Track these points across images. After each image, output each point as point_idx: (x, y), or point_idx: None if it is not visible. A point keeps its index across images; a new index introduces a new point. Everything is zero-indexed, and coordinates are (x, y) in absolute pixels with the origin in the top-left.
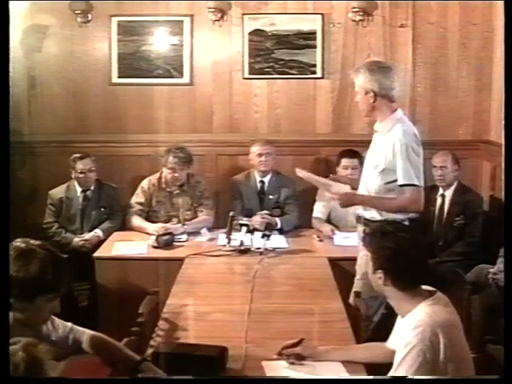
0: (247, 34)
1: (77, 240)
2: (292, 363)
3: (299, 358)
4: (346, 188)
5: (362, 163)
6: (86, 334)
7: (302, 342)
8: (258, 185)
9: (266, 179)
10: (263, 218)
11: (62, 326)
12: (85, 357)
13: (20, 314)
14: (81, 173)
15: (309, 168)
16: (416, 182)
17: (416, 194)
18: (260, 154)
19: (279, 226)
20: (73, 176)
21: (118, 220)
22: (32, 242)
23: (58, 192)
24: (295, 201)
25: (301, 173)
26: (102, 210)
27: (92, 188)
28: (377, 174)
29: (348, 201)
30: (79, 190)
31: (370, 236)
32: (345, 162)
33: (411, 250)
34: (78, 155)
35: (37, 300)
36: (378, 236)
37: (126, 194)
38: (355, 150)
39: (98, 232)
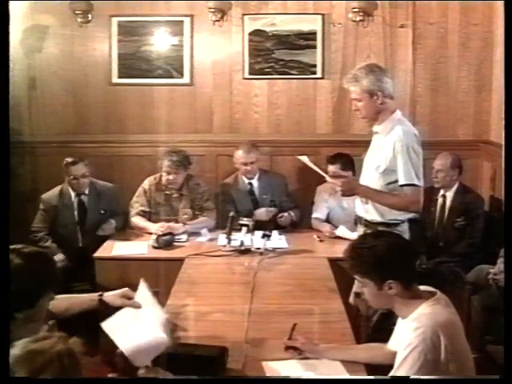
0: (247, 35)
1: (61, 257)
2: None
3: (299, 353)
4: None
5: (346, 167)
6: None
7: (295, 326)
8: (248, 187)
9: (254, 181)
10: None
11: None
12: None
13: (25, 316)
14: (74, 178)
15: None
16: (416, 182)
17: (416, 194)
18: (245, 163)
19: (294, 218)
20: (66, 181)
21: (120, 219)
22: (11, 247)
23: (51, 198)
24: (289, 196)
25: (303, 159)
26: (102, 212)
27: (87, 192)
28: (378, 176)
29: (350, 189)
30: (73, 194)
31: (358, 260)
32: (330, 168)
33: (400, 246)
34: (70, 160)
35: (38, 303)
36: (366, 253)
37: (125, 195)
38: (341, 154)
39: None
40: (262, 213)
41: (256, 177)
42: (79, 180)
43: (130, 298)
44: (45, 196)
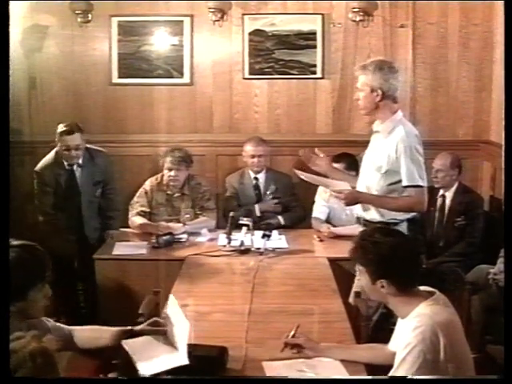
0: (247, 34)
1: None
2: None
3: (300, 351)
4: (345, 185)
5: (351, 167)
6: (76, 329)
7: (298, 328)
8: (253, 181)
9: (260, 176)
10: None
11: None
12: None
13: (18, 310)
14: (66, 149)
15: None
16: (420, 183)
17: (420, 195)
18: (253, 156)
19: (282, 223)
20: (57, 149)
21: (113, 187)
22: None
23: (46, 168)
24: (294, 195)
25: (300, 174)
26: (96, 181)
27: (80, 162)
28: (379, 176)
29: (353, 199)
30: (66, 163)
31: (360, 250)
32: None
33: (405, 250)
34: (65, 129)
35: (29, 294)
36: (370, 247)
37: (126, 195)
38: (346, 154)
39: None
40: (265, 202)
41: (263, 172)
42: (71, 151)
43: (159, 325)
44: (39, 167)
